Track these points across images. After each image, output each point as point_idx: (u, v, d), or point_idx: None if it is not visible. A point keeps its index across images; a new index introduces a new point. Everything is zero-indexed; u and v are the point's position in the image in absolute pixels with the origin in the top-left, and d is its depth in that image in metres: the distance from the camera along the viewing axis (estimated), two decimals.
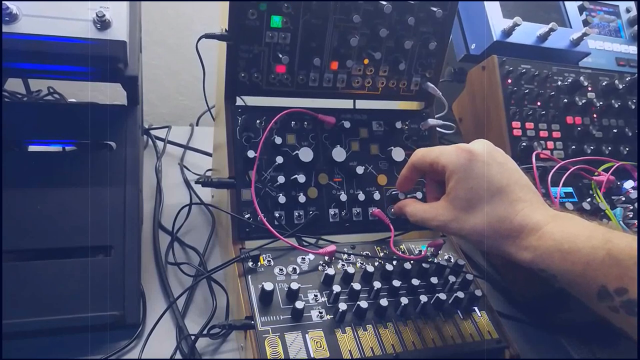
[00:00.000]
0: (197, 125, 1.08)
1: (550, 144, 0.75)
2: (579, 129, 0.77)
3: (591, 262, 0.41)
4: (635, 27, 0.95)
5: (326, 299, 0.54)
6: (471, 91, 0.80)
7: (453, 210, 0.49)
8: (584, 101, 0.78)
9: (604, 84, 0.81)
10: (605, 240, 0.41)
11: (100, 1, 0.54)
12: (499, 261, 0.75)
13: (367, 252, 0.60)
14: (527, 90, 0.75)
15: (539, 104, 0.76)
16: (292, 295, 0.52)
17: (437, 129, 0.69)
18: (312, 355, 0.48)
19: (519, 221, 0.46)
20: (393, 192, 0.64)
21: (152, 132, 0.97)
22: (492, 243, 0.47)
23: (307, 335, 0.50)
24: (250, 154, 0.58)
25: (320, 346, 0.49)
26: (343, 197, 0.61)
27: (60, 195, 0.57)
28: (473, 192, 0.47)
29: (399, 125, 0.67)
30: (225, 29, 0.57)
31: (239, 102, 0.62)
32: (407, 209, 0.55)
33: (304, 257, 0.58)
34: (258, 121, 0.61)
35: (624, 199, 0.72)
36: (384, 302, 0.53)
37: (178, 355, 0.55)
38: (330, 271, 0.54)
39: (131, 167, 0.61)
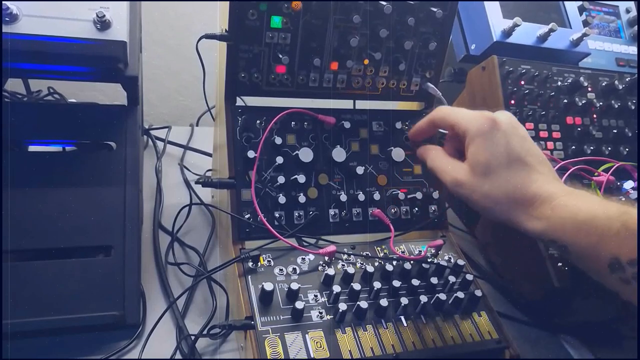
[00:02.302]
0: (197, 125, 1.08)
1: (550, 144, 0.75)
2: (579, 129, 0.77)
3: (606, 233, 0.41)
4: (635, 28, 0.95)
5: (326, 299, 0.54)
6: (471, 91, 0.80)
7: (470, 174, 0.49)
8: (584, 101, 0.78)
9: (604, 84, 0.81)
10: (621, 212, 0.41)
11: (100, 1, 0.54)
12: (500, 261, 0.76)
13: (367, 252, 0.60)
14: (527, 91, 0.75)
15: (538, 104, 0.76)
16: (292, 296, 0.52)
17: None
18: (312, 356, 0.48)
19: (534, 190, 0.46)
20: (393, 192, 0.64)
21: (152, 132, 0.97)
22: (503, 210, 0.47)
23: (307, 335, 0.50)
24: (250, 154, 0.58)
25: (320, 346, 0.49)
26: (343, 197, 0.61)
27: (60, 195, 0.57)
28: (493, 158, 0.48)
29: (399, 125, 0.67)
30: (225, 29, 0.57)
31: (239, 102, 0.62)
32: (430, 153, 0.55)
33: (304, 257, 0.58)
34: (258, 121, 0.61)
35: (624, 199, 0.72)
36: (384, 302, 0.53)
37: (178, 355, 0.55)
38: (330, 271, 0.54)
39: (131, 167, 0.61)
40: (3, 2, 0.50)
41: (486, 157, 0.48)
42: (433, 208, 0.66)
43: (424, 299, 0.55)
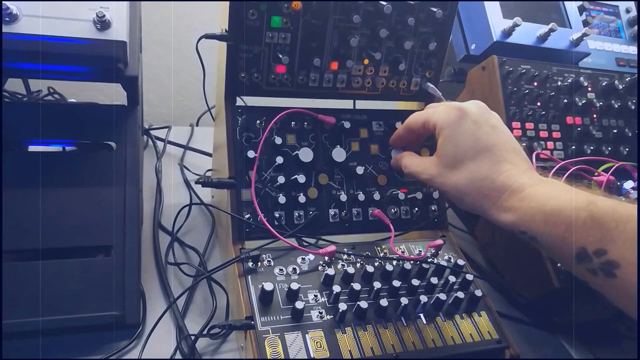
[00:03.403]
0: (197, 125, 1.08)
1: (550, 144, 0.75)
2: (579, 129, 0.77)
3: (573, 223, 0.40)
4: (635, 28, 0.95)
5: (326, 299, 0.54)
6: (471, 91, 0.80)
7: (439, 166, 0.49)
8: (584, 101, 0.78)
9: (604, 84, 0.81)
10: (588, 201, 0.41)
11: (100, 1, 0.54)
12: (500, 261, 0.76)
13: (367, 252, 0.60)
14: (527, 91, 0.75)
15: (539, 104, 0.76)
16: (292, 296, 0.52)
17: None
18: (312, 356, 0.48)
19: (502, 181, 0.45)
20: (393, 192, 0.64)
21: (152, 132, 0.97)
22: (473, 202, 0.47)
23: (307, 335, 0.50)
24: (250, 154, 0.58)
25: (320, 346, 0.49)
26: (343, 197, 0.61)
27: (60, 195, 0.57)
28: (459, 149, 0.47)
29: (398, 125, 0.66)
30: (225, 29, 0.57)
31: (239, 102, 0.62)
32: (403, 160, 0.55)
33: (304, 257, 0.58)
34: (258, 121, 0.61)
35: (624, 199, 0.72)
36: (384, 302, 0.53)
37: (178, 355, 0.55)
38: (330, 271, 0.54)
39: (131, 167, 0.61)
40: (3, 2, 0.50)
41: (453, 148, 0.48)
42: (433, 208, 0.66)
43: (424, 299, 0.55)
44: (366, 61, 0.63)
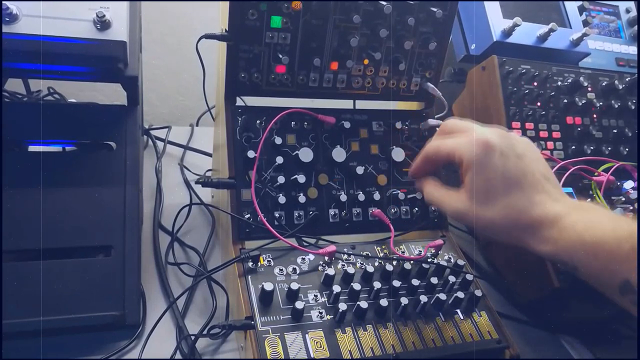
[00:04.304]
0: (197, 125, 1.08)
1: (550, 144, 0.75)
2: (579, 129, 0.77)
3: (615, 255, 0.40)
4: (635, 28, 0.95)
5: (326, 299, 0.54)
6: (471, 91, 0.80)
7: (469, 202, 0.47)
8: (584, 101, 0.78)
9: (604, 84, 0.81)
10: (630, 232, 0.40)
11: (100, 1, 0.54)
12: (500, 261, 0.76)
13: (367, 252, 0.60)
14: (527, 91, 0.75)
15: (539, 104, 0.76)
16: (292, 296, 0.52)
17: (437, 129, 0.69)
18: (312, 356, 0.48)
19: (538, 213, 0.44)
20: (393, 192, 0.64)
21: (152, 132, 0.97)
22: (510, 235, 0.46)
23: (307, 335, 0.50)
24: (250, 154, 0.58)
25: (320, 346, 0.49)
26: (343, 197, 0.61)
27: (60, 195, 0.57)
28: (489, 184, 0.46)
29: (399, 125, 0.67)
30: (225, 29, 0.57)
31: (239, 102, 0.62)
32: (426, 189, 0.53)
33: (304, 257, 0.58)
34: (258, 121, 0.61)
35: (624, 199, 0.72)
36: (384, 302, 0.53)
37: (178, 355, 0.55)
38: (330, 271, 0.54)
39: (131, 167, 0.61)
40: (3, 2, 0.50)
41: (484, 184, 0.46)
42: (433, 208, 0.66)
43: (424, 299, 0.55)
44: (366, 61, 0.63)
